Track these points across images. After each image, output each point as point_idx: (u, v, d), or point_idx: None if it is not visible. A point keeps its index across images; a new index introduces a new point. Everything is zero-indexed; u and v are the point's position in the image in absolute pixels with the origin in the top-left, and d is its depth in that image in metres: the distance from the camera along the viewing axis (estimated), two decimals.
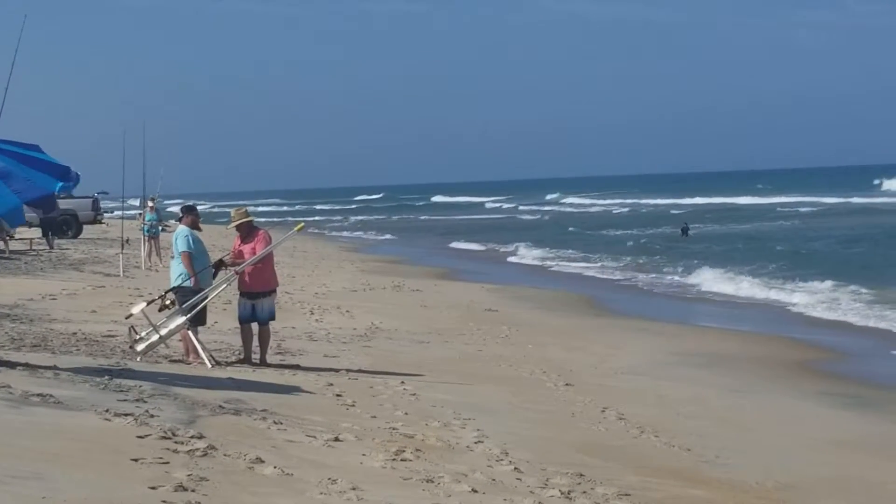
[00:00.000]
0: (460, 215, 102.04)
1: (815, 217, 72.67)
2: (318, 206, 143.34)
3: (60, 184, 12.41)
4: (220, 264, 15.33)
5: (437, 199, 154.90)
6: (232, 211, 15.95)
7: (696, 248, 47.69)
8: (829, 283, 30.71)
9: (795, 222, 67.39)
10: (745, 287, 32.23)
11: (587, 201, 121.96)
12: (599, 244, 52.91)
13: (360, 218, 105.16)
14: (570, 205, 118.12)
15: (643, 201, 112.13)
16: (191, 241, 15.00)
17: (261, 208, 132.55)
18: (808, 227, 61.18)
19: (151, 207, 35.71)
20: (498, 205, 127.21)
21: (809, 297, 28.78)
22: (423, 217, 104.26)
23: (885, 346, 21.28)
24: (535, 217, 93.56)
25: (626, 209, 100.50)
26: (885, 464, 12.20)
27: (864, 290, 28.97)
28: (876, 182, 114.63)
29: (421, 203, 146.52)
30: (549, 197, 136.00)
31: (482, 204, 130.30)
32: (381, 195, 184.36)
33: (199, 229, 15.46)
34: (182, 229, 15.26)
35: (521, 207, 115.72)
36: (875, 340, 22.03)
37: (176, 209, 35.51)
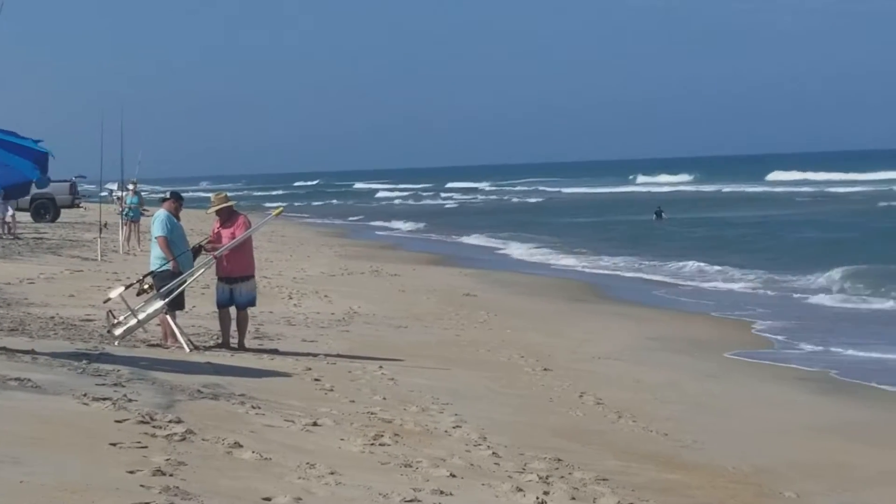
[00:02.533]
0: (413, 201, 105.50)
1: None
2: (273, 193, 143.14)
3: (38, 174, 12.34)
4: (198, 249, 15.32)
5: (358, 185, 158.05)
6: (212, 195, 15.95)
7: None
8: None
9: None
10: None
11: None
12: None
13: (318, 203, 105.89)
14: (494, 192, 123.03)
15: (565, 190, 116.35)
16: (167, 226, 14.96)
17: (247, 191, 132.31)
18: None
19: (133, 191, 35.62)
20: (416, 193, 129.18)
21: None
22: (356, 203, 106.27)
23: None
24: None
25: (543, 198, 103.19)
26: (859, 448, 12.30)
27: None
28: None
29: (348, 189, 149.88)
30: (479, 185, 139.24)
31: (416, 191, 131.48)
32: (317, 182, 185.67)
33: (177, 217, 15.35)
34: (160, 213, 15.22)
35: (443, 195, 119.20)
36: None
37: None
